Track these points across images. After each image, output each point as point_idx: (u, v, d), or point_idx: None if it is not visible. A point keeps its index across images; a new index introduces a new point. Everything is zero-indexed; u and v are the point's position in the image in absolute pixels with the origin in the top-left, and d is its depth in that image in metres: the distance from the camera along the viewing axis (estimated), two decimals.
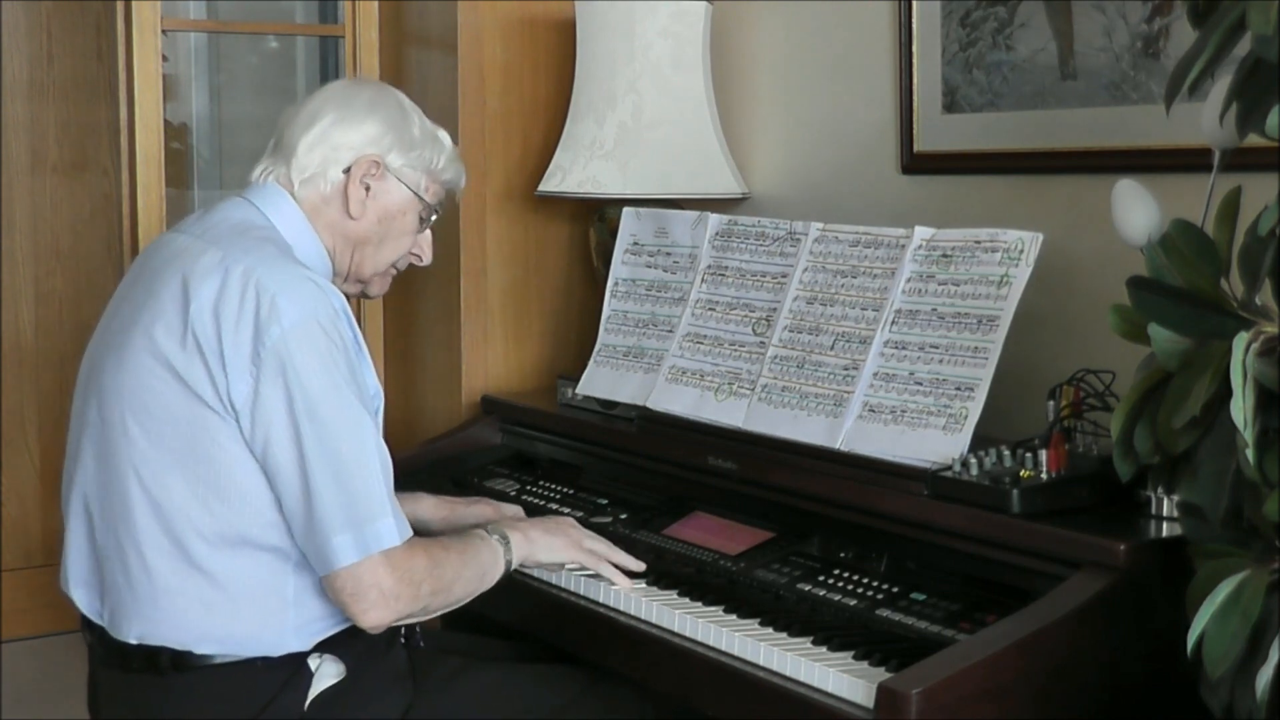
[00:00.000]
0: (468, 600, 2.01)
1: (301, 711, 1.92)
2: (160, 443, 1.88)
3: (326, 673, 1.94)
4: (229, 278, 1.87)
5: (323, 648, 1.95)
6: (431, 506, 2.30)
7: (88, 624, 2.01)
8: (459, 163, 2.20)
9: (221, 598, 1.88)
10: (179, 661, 1.89)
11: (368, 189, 2.07)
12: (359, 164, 2.06)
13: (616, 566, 2.15)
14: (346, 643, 1.96)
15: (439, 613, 1.97)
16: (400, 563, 1.86)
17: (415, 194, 2.12)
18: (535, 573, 2.23)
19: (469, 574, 1.99)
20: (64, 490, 2.04)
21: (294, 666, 1.92)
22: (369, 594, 1.84)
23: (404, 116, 2.12)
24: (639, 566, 2.16)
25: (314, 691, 1.93)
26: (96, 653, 2.01)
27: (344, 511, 1.83)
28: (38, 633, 4.03)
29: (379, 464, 1.88)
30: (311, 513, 1.84)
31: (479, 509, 2.32)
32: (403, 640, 2.06)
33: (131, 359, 1.91)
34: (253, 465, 1.86)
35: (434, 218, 2.18)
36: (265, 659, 1.90)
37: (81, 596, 2.00)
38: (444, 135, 2.18)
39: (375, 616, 1.86)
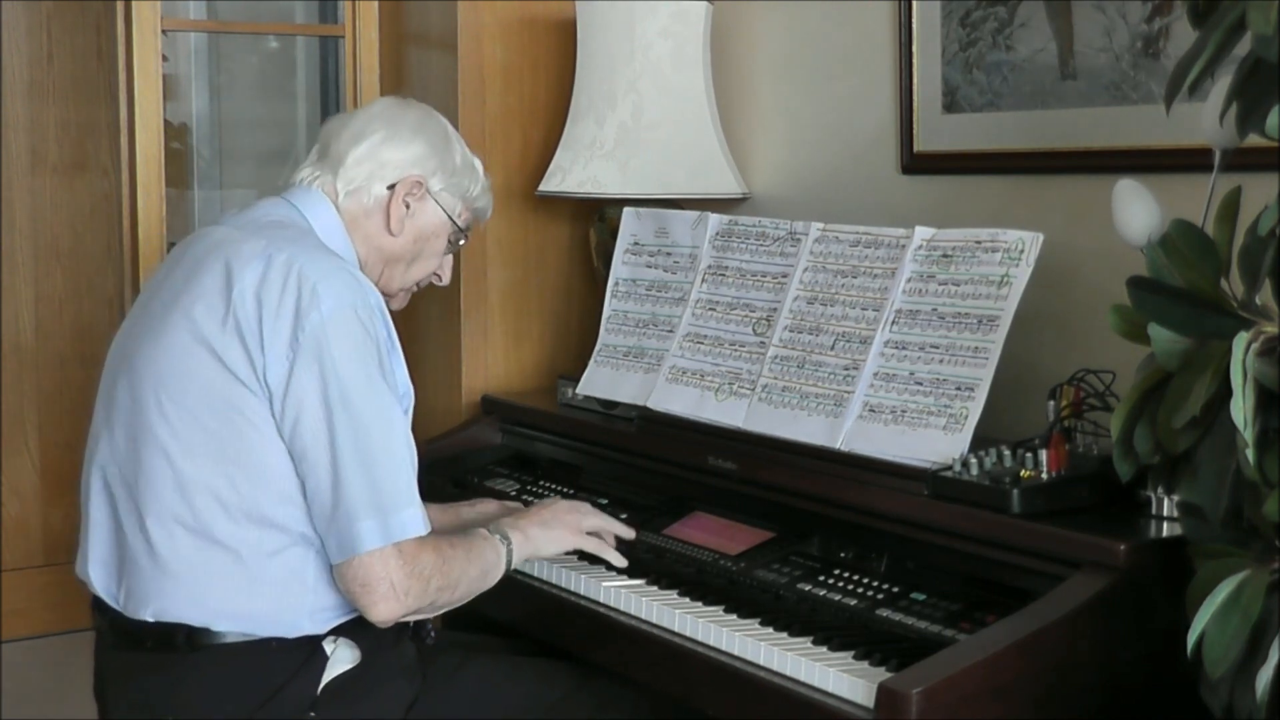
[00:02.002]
0: (470, 599, 2.03)
1: (314, 695, 1.93)
2: (193, 420, 1.91)
3: (342, 658, 1.96)
4: (272, 265, 1.92)
5: (335, 633, 1.96)
6: (437, 513, 2.30)
7: (99, 607, 2.02)
8: (490, 194, 2.28)
9: (242, 574, 1.90)
10: (194, 640, 1.91)
11: (408, 207, 2.14)
12: (404, 182, 2.13)
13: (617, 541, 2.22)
14: (359, 630, 1.98)
15: (443, 610, 2.00)
16: (411, 557, 1.89)
17: (450, 218, 2.19)
18: (536, 572, 2.23)
19: (474, 572, 2.01)
20: (85, 473, 2.06)
21: (309, 649, 1.94)
22: (379, 586, 1.87)
23: (447, 143, 2.20)
24: (629, 533, 2.24)
25: (328, 676, 1.94)
26: (106, 637, 2.02)
27: (371, 498, 1.87)
28: (38, 633, 4.03)
29: (407, 455, 1.93)
30: (339, 497, 1.87)
31: (483, 508, 2.34)
32: (410, 633, 2.07)
33: (169, 338, 1.94)
34: (280, 445, 1.90)
35: (461, 243, 2.25)
36: (280, 640, 1.92)
37: (99, 576, 2.01)
38: (479, 165, 2.26)
39: (385, 610, 1.88)
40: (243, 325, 1.89)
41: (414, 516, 1.90)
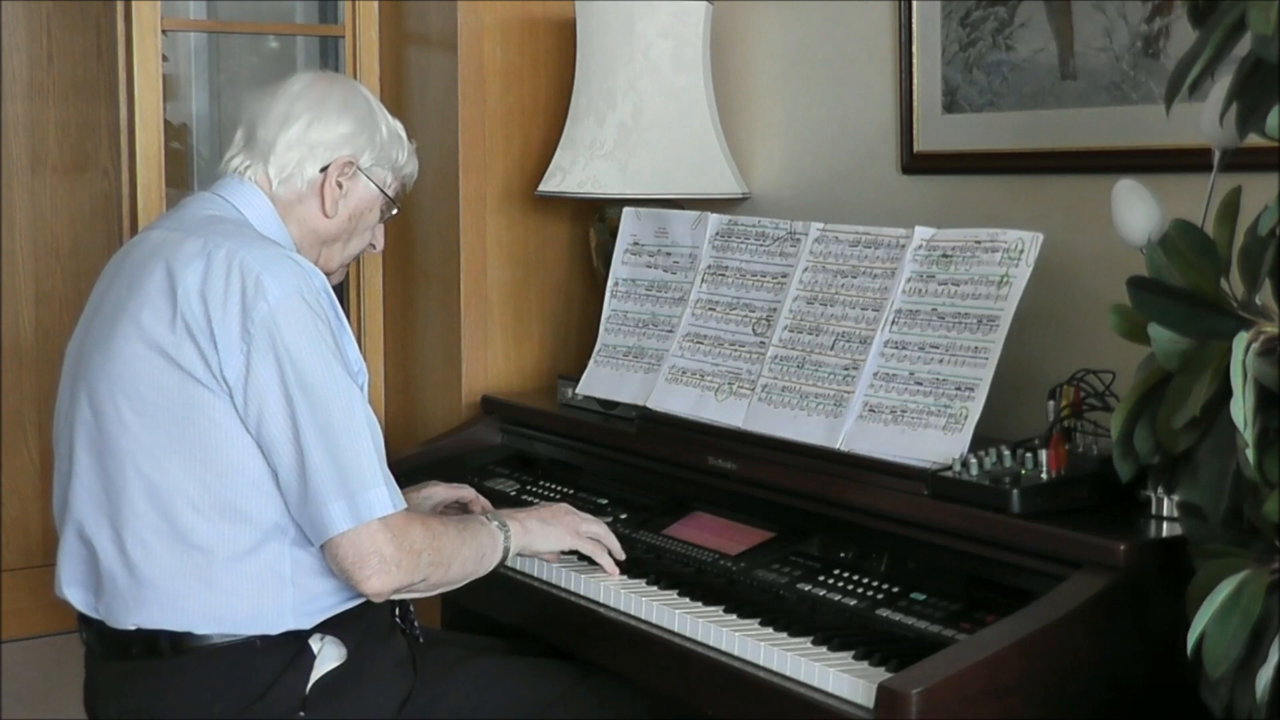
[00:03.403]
0: (465, 581, 2.03)
1: (303, 694, 1.93)
2: (155, 425, 1.90)
3: (329, 655, 1.96)
4: (213, 261, 1.91)
5: (323, 629, 1.96)
6: None
7: (85, 621, 2.01)
8: (416, 157, 2.26)
9: (220, 575, 1.90)
10: (178, 644, 1.91)
11: (340, 187, 2.12)
12: (335, 164, 2.11)
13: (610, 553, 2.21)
14: (347, 626, 1.98)
15: (438, 590, 2.00)
16: (399, 530, 1.90)
17: (381, 191, 2.17)
18: (535, 571, 2.23)
19: (467, 552, 2.02)
20: (57, 493, 2.05)
21: (295, 648, 1.94)
22: (370, 561, 1.88)
23: (373, 116, 2.17)
24: (621, 554, 2.22)
25: (316, 674, 1.94)
26: (95, 650, 2.01)
27: (337, 480, 1.87)
28: (37, 633, 4.03)
29: (368, 434, 1.92)
30: (306, 483, 1.88)
31: (430, 490, 2.35)
32: (402, 629, 2.07)
33: (120, 347, 1.93)
34: (247, 440, 1.90)
35: (394, 212, 2.23)
36: (264, 637, 1.92)
37: (76, 596, 2.00)
38: (402, 129, 2.23)
39: (377, 583, 1.89)
40: (192, 326, 1.89)
41: (381, 496, 1.89)
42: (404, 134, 2.22)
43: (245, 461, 1.90)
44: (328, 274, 2.16)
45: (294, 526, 1.92)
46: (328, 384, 1.89)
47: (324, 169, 2.10)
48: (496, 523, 2.11)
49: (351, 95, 2.17)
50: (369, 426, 1.93)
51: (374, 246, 2.25)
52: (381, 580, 1.89)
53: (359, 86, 2.22)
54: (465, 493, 2.38)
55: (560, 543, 2.18)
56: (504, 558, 2.10)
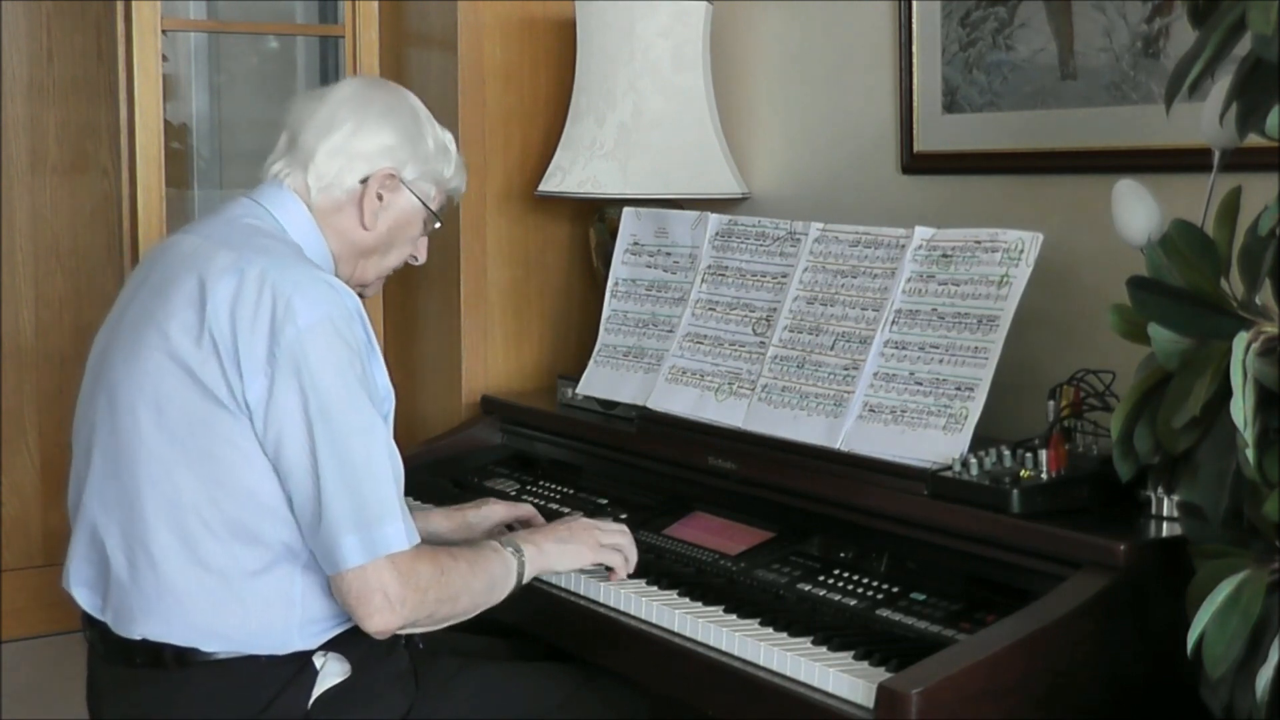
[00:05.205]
0: (475, 612, 1.99)
1: (305, 710, 1.92)
2: (174, 440, 1.88)
3: (331, 671, 1.94)
4: (245, 278, 1.88)
5: (326, 647, 1.95)
6: (441, 517, 2.29)
7: (89, 621, 2.01)
8: (464, 170, 2.22)
9: (229, 595, 1.88)
10: (183, 658, 1.90)
11: (380, 199, 2.08)
12: (376, 176, 2.07)
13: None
14: (350, 642, 1.96)
15: (445, 623, 1.96)
16: (406, 569, 1.86)
17: (424, 204, 2.13)
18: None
19: (477, 585, 1.97)
20: (72, 490, 2.04)
21: (299, 664, 1.92)
22: (374, 598, 1.84)
23: (418, 127, 2.13)
24: (633, 565, 2.16)
25: (318, 690, 1.93)
26: (98, 650, 2.01)
27: (353, 513, 1.84)
28: (38, 633, 4.03)
29: (389, 467, 1.88)
30: (321, 513, 1.84)
31: (489, 510, 2.32)
32: (404, 641, 2.06)
33: (145, 357, 1.91)
34: (264, 464, 1.87)
35: (437, 225, 2.19)
36: (270, 656, 1.91)
37: (84, 596, 1.99)
38: (451, 142, 2.19)
39: (380, 621, 1.85)
40: (219, 343, 1.86)
41: (397, 531, 1.85)
42: (452, 146, 2.18)
43: (260, 484, 1.87)
44: (363, 286, 2.14)
45: (306, 550, 1.90)
46: (350, 414, 1.85)
47: (364, 180, 2.06)
48: (510, 548, 2.04)
49: (398, 105, 2.13)
50: (390, 458, 1.89)
51: (415, 259, 2.21)
52: (384, 618, 1.85)
53: (408, 96, 2.18)
54: (523, 511, 2.33)
55: (579, 560, 2.12)
56: (517, 584, 2.04)
